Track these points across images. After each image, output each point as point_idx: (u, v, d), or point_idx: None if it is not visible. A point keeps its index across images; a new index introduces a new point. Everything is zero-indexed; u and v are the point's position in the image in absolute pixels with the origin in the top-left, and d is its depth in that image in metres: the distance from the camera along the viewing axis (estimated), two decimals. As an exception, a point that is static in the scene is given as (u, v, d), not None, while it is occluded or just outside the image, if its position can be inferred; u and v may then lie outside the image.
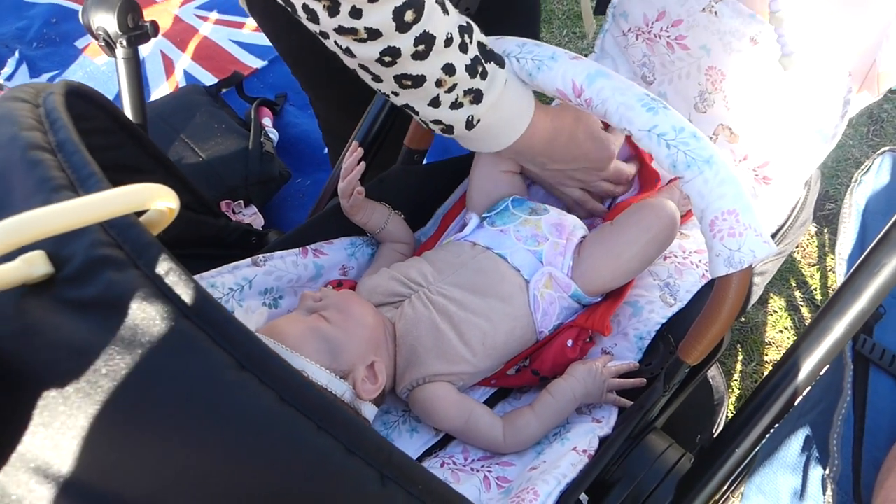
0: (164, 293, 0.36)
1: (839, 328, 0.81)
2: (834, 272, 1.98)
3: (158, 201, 0.38)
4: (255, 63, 2.50)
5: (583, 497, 0.86)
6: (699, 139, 0.83)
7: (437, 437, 0.99)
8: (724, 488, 0.88)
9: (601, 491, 0.88)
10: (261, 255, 1.01)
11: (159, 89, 2.42)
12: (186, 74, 2.48)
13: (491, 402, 1.04)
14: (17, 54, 2.55)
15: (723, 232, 0.80)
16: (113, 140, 0.77)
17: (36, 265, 0.37)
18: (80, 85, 0.59)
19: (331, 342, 0.87)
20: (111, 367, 0.35)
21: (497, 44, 0.94)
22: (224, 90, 2.31)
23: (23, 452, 0.35)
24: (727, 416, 1.54)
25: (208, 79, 2.45)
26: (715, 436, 1.37)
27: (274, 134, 2.20)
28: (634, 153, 1.16)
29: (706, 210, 0.81)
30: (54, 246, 0.37)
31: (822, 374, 0.85)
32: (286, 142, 2.28)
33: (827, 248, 2.04)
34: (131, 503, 0.35)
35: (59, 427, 0.35)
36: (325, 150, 2.28)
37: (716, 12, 1.12)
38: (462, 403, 0.94)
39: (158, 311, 0.36)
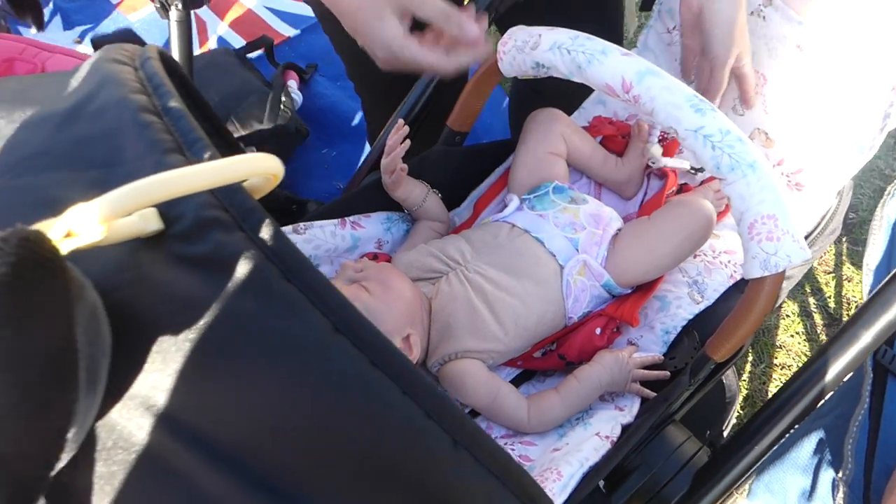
0: (267, 256, 0.38)
1: (866, 337, 0.83)
2: (849, 281, 2.00)
3: (267, 170, 0.40)
4: (288, 31, 2.51)
5: (600, 482, 0.89)
6: (744, 143, 0.85)
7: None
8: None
9: (619, 477, 0.91)
10: (302, 224, 1.04)
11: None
12: (220, 39, 2.49)
13: (515, 383, 1.06)
14: (51, 5, 2.56)
15: (761, 235, 0.82)
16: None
17: (150, 221, 0.39)
18: (164, 51, 0.61)
19: (370, 312, 0.89)
20: (218, 321, 0.37)
21: (549, 35, 0.96)
22: (252, 54, 2.32)
23: (134, 392, 0.38)
24: (737, 415, 1.57)
25: (241, 44, 2.46)
26: (726, 432, 1.41)
27: (297, 95, 2.21)
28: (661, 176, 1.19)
29: (746, 213, 0.83)
30: (165, 204, 0.39)
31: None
32: (314, 112, 2.29)
33: (844, 257, 2.06)
34: (227, 446, 0.38)
35: (170, 372, 0.37)
36: (353, 123, 2.30)
37: (764, 17, 1.13)
38: (491, 381, 0.97)
39: (262, 273, 0.38)
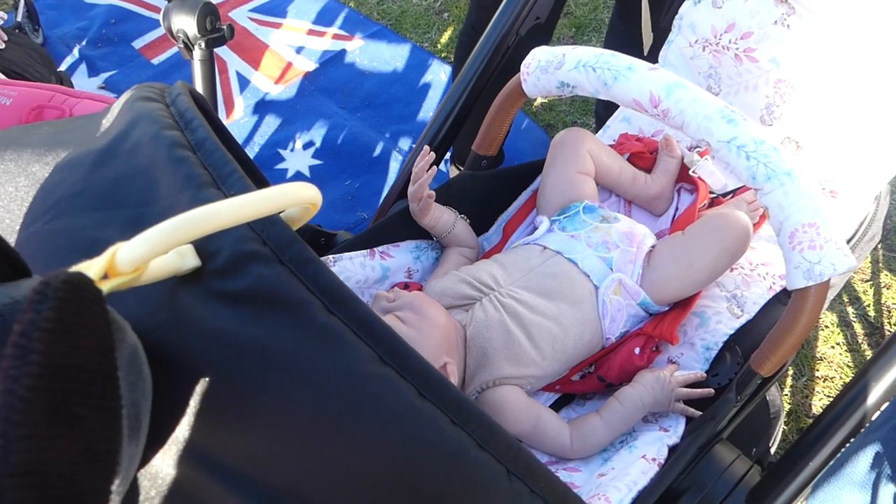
0: (308, 288, 0.37)
1: (921, 344, 0.80)
2: (888, 289, 1.95)
3: (305, 199, 0.39)
4: (309, 66, 2.54)
5: (650, 506, 0.87)
6: (779, 152, 0.83)
7: (503, 440, 1.00)
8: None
9: (668, 500, 0.88)
10: (331, 256, 1.03)
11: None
12: (240, 76, 2.53)
13: (554, 408, 1.04)
14: (76, 53, 2.62)
15: (803, 244, 0.80)
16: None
17: (187, 258, 0.38)
18: (192, 87, 0.61)
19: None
20: (261, 358, 0.36)
21: (573, 53, 0.95)
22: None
23: (177, 437, 0.37)
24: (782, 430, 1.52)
25: (262, 82, 2.49)
26: (773, 449, 1.37)
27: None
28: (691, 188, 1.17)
29: (786, 222, 0.81)
30: (202, 240, 0.38)
31: (897, 390, 0.84)
32: (336, 144, 2.31)
33: (881, 265, 2.01)
34: (277, 491, 0.37)
35: (214, 414, 0.36)
36: (374, 154, 2.31)
37: (788, 25, 1.12)
38: (531, 407, 0.95)
39: (304, 306, 0.37)
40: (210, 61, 1.19)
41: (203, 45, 1.14)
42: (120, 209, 0.43)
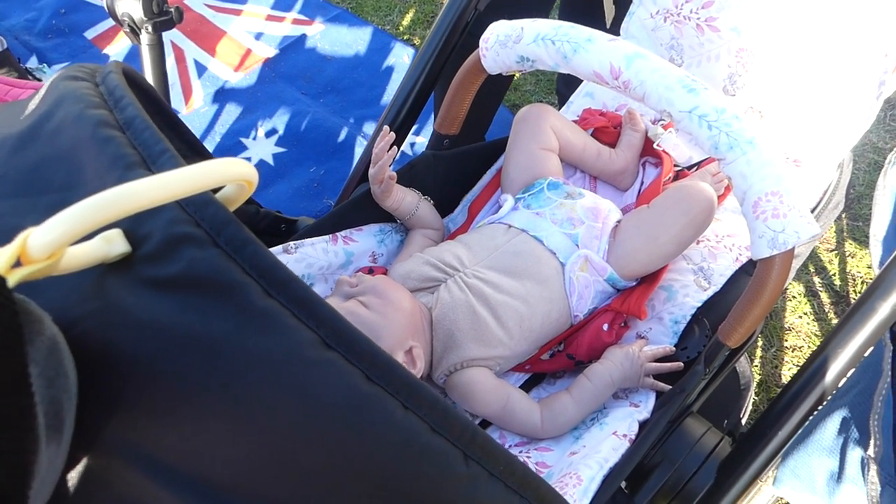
0: (245, 270, 0.35)
1: (884, 310, 0.80)
2: (853, 257, 1.97)
3: (238, 176, 0.37)
4: (269, 52, 2.49)
5: (622, 483, 0.86)
6: (741, 120, 0.82)
7: (474, 422, 0.98)
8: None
9: (640, 476, 0.87)
10: (292, 243, 1.01)
11: (169, 79, 2.41)
12: (198, 65, 2.47)
13: (525, 388, 1.03)
14: (26, 46, 2.53)
15: (766, 213, 0.79)
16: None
17: (114, 243, 0.36)
18: (127, 66, 0.58)
19: (369, 327, 0.86)
20: (197, 346, 0.34)
21: (532, 26, 0.93)
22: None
23: (108, 435, 0.34)
24: (753, 401, 1.54)
25: (222, 70, 2.43)
26: (744, 419, 1.38)
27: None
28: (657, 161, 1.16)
29: (749, 191, 0.80)
30: (131, 224, 0.36)
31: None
32: (299, 131, 2.27)
33: (846, 234, 2.03)
34: (219, 487, 0.35)
35: (148, 408, 0.34)
36: (339, 139, 2.27)
37: (747, -9, 1.11)
38: (499, 388, 0.94)
39: (241, 289, 0.35)
40: (159, 46, 1.15)
41: (150, 28, 1.10)
42: (42, 194, 0.40)
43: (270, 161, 2.22)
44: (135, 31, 1.11)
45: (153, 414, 0.34)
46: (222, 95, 2.39)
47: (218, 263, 0.35)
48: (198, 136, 2.30)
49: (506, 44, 0.95)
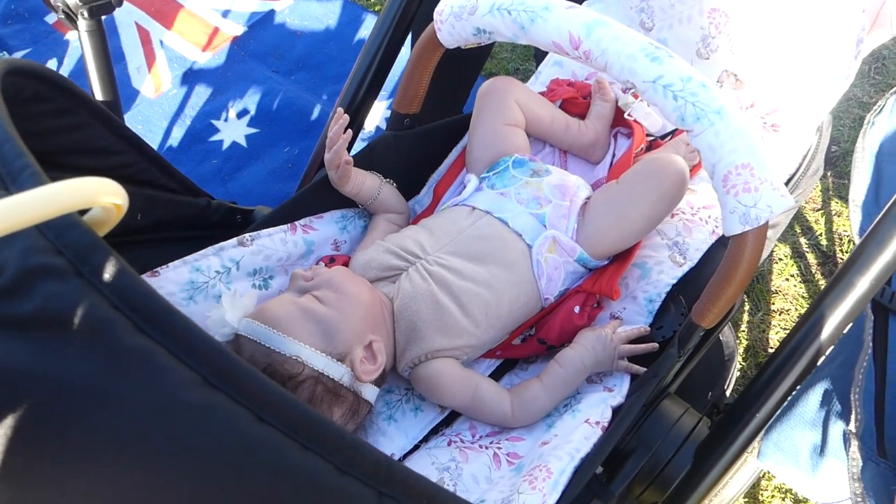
0: (113, 304, 0.31)
1: (864, 283, 0.76)
2: (839, 216, 1.93)
3: (103, 197, 0.32)
4: (237, 30, 2.41)
5: (598, 470, 0.83)
6: (708, 89, 0.77)
7: (442, 414, 0.95)
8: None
9: (616, 461, 0.84)
10: (247, 234, 0.96)
11: (135, 62, 2.34)
12: (165, 47, 2.39)
13: (497, 375, 1.00)
14: (-15, 33, 2.45)
15: (737, 187, 0.75)
16: (74, 120, 0.71)
17: (-36, 279, 0.31)
18: (30, 63, 0.53)
19: (325, 323, 0.82)
20: (54, 395, 0.30)
21: None
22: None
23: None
24: (737, 370, 1.51)
25: (189, 50, 2.36)
26: (728, 392, 1.35)
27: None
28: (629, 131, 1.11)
29: (718, 165, 0.76)
30: (-17, 256, 0.32)
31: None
32: (270, 111, 2.21)
33: (831, 192, 1.99)
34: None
35: (4, 468, 0.30)
36: (312, 117, 2.22)
37: (718, -51, 1.05)
38: (467, 378, 0.90)
39: (107, 325, 0.31)
40: (100, 33, 1.09)
41: (86, 13, 1.04)
42: None
43: (243, 143, 2.17)
44: (71, 18, 1.05)
45: (12, 473, 0.30)
46: (191, 77, 2.33)
47: (81, 297, 0.31)
48: (167, 120, 2.26)
49: (460, 15, 0.90)
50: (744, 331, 1.80)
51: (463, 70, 1.61)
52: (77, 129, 0.72)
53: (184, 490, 0.30)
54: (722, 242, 0.99)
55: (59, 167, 0.72)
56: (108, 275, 0.31)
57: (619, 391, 0.88)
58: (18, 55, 2.39)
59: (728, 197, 0.75)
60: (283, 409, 0.32)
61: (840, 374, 0.98)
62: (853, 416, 0.88)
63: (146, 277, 0.88)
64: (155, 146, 2.15)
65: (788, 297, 1.83)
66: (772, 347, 1.74)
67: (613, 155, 1.12)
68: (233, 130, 2.18)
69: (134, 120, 2.19)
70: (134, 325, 0.31)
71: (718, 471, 0.82)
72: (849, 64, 0.99)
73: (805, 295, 1.81)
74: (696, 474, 0.83)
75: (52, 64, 2.40)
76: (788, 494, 1.48)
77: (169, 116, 2.24)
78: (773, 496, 1.49)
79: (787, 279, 1.85)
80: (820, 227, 1.92)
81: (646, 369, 0.90)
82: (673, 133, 1.13)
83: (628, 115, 1.09)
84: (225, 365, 0.31)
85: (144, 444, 0.30)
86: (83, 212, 0.34)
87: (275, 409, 0.31)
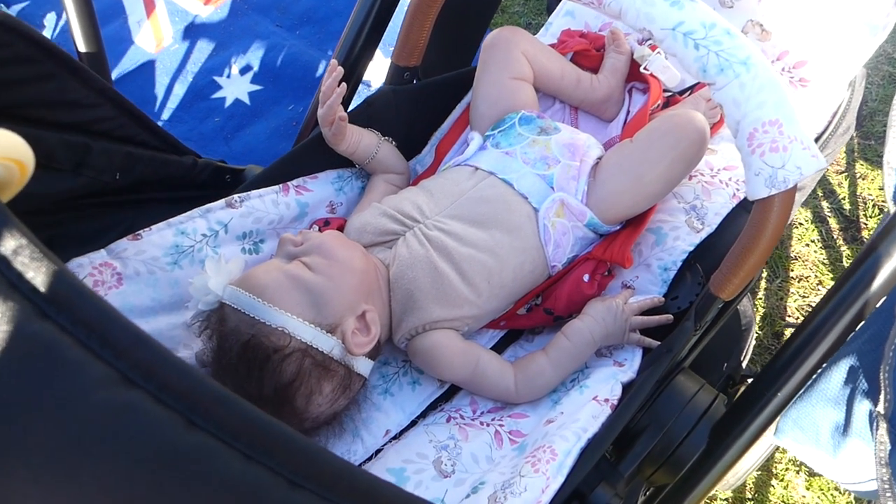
0: (11, 282, 0.25)
1: (900, 253, 0.69)
2: (864, 179, 1.85)
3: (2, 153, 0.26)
4: (238, -18, 2.32)
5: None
6: (734, 37, 0.70)
7: (441, 388, 0.90)
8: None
9: (625, 441, 0.79)
10: (236, 195, 0.91)
11: (136, 15, 2.26)
12: (168, 2, 2.31)
13: (500, 347, 0.94)
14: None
15: (763, 146, 0.68)
16: (37, 71, 0.66)
17: None
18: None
19: (314, 292, 0.77)
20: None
21: None
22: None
23: None
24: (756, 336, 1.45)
25: (190, 3, 2.28)
26: (745, 362, 1.29)
27: None
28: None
29: (743, 121, 0.69)
30: None
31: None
32: (274, 67, 2.14)
33: (856, 154, 1.91)
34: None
35: None
36: (318, 73, 2.15)
37: None
38: (468, 351, 0.85)
39: (5, 309, 0.25)
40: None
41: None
42: None
43: (246, 100, 2.11)
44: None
45: None
46: (192, 31, 2.26)
47: (-29, 274, 0.25)
48: (168, 76, 2.19)
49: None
50: (760, 298, 1.74)
51: (469, 22, 1.53)
52: (42, 80, 0.67)
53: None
54: (744, 207, 0.93)
55: (23, 121, 0.67)
56: (4, 247, 0.26)
57: (629, 366, 0.83)
58: (15, 9, 2.32)
59: (753, 157, 0.69)
60: (222, 410, 0.26)
61: (868, 350, 0.92)
62: (882, 397, 0.82)
63: (127, 241, 0.83)
64: (156, 103, 2.10)
65: (808, 263, 1.76)
66: (790, 316, 1.68)
67: (628, 112, 1.05)
68: (236, 87, 2.12)
69: (134, 75, 2.14)
70: (35, 309, 0.25)
71: (735, 452, 0.77)
72: (887, 11, 0.91)
73: (826, 262, 1.74)
74: (711, 455, 0.78)
75: (50, 18, 2.33)
76: (803, 468, 1.44)
77: (170, 72, 2.18)
78: (786, 469, 1.45)
79: (808, 245, 1.78)
80: (843, 191, 1.84)
81: (659, 343, 0.84)
82: (692, 88, 1.05)
83: (644, 68, 1.02)
84: (146, 357, 0.26)
85: (46, 456, 0.24)
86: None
87: (210, 410, 0.26)
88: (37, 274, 0.26)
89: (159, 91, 2.14)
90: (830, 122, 1.01)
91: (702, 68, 0.70)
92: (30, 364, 0.25)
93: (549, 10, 1.88)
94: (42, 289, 0.25)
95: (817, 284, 1.71)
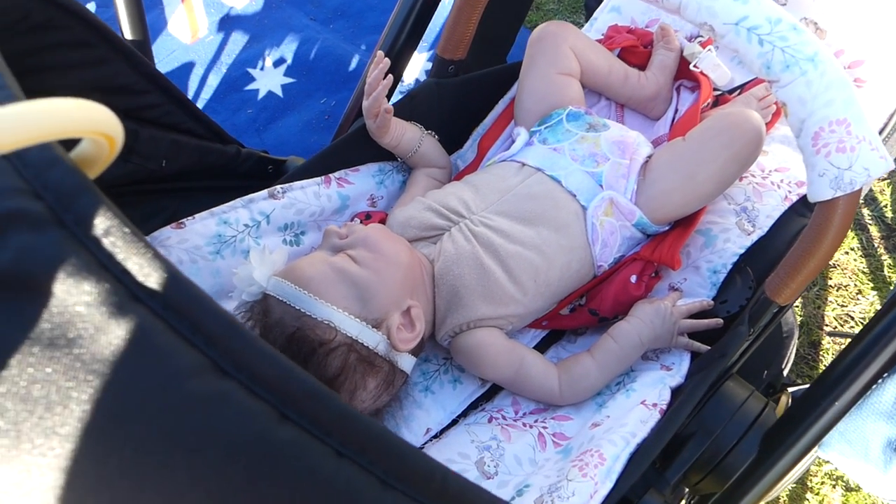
0: (102, 263, 0.24)
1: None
2: (907, 185, 1.81)
3: (92, 126, 0.25)
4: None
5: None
6: (800, 32, 0.68)
7: (483, 387, 0.88)
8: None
9: (672, 447, 0.77)
10: (279, 186, 0.90)
11: (172, 6, 2.27)
12: (206, -12, 2.31)
13: (542, 347, 0.93)
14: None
15: (829, 146, 0.66)
16: (93, 55, 0.65)
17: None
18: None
19: (360, 286, 0.76)
20: (30, 377, 0.23)
21: None
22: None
23: None
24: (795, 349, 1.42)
25: (225, -6, 2.28)
26: (786, 370, 1.26)
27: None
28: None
29: (808, 120, 0.67)
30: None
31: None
32: (308, 60, 2.14)
33: (899, 160, 1.86)
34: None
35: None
36: (351, 67, 2.14)
37: None
38: (512, 351, 0.83)
39: (94, 291, 0.24)
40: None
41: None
42: None
43: (279, 92, 2.11)
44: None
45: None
46: (227, 23, 2.27)
47: (62, 252, 0.24)
48: (203, 67, 2.20)
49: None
50: (798, 306, 1.70)
51: (503, 18, 1.52)
52: (95, 64, 0.66)
53: (194, 493, 0.24)
54: (795, 210, 0.90)
55: (75, 106, 0.66)
56: (96, 226, 0.24)
57: (677, 370, 0.81)
58: (52, -2, 2.34)
59: (818, 157, 0.66)
60: (315, 403, 0.25)
61: (924, 361, 0.89)
62: (939, 411, 0.79)
63: (171, 229, 0.83)
64: (190, 94, 2.11)
65: (847, 271, 1.72)
66: (828, 325, 1.64)
67: (676, 110, 1.02)
68: (269, 79, 2.13)
69: (168, 65, 2.15)
70: (127, 292, 0.24)
71: (788, 462, 0.74)
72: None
73: (866, 270, 1.70)
74: (761, 464, 0.75)
75: (90, 6, 2.34)
76: (839, 482, 1.40)
77: (205, 63, 2.19)
78: (822, 482, 1.41)
79: (847, 252, 1.74)
80: (885, 198, 1.80)
81: (709, 347, 0.82)
82: (742, 87, 1.03)
83: (694, 66, 0.99)
84: (239, 346, 0.24)
85: (149, 442, 0.23)
86: (70, 149, 0.27)
87: (303, 402, 0.25)
88: (127, 256, 0.24)
89: (193, 82, 2.15)
90: (886, 124, 0.98)
91: (766, 64, 0.68)
92: (125, 350, 0.24)
93: (588, 7, 1.86)
94: (133, 271, 0.24)
95: (857, 293, 1.67)
